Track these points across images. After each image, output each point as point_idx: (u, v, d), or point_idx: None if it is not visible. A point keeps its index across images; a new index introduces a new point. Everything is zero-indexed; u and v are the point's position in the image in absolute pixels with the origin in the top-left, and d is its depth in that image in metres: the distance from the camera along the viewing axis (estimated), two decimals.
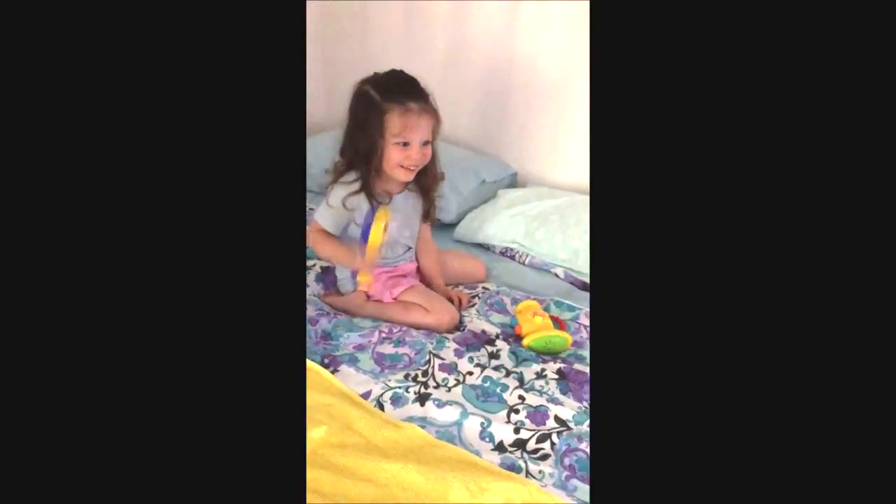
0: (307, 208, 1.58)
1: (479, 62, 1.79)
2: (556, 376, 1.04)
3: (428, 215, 1.28)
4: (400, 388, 0.98)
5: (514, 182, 1.80)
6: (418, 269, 1.33)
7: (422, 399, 0.97)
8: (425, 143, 1.15)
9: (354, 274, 1.17)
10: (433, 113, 1.14)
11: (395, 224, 1.19)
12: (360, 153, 1.14)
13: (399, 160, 1.14)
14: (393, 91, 1.11)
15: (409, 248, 1.30)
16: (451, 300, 1.26)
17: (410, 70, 1.17)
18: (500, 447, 0.90)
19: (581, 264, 1.43)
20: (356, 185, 1.15)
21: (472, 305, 1.27)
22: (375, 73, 1.16)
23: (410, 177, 1.18)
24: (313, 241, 1.20)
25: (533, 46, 1.69)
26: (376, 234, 1.08)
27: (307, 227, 1.20)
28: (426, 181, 1.23)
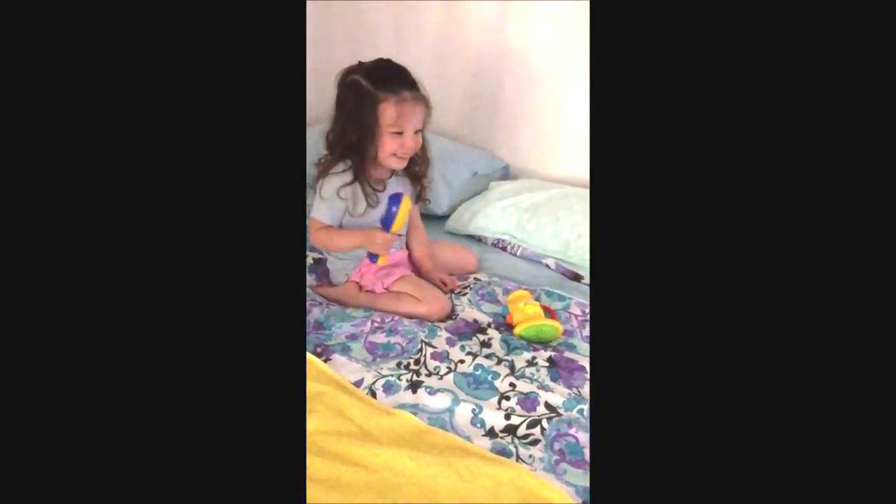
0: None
1: (470, 55, 1.79)
2: (547, 364, 1.06)
3: (420, 197, 1.30)
4: (392, 375, 0.99)
5: (505, 175, 1.81)
6: (409, 258, 1.34)
7: (413, 387, 0.97)
8: (417, 132, 1.16)
9: (373, 257, 1.21)
10: (425, 101, 1.16)
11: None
12: (353, 144, 1.15)
13: (393, 149, 1.15)
14: (385, 81, 1.12)
15: (401, 235, 1.31)
16: (441, 283, 1.29)
17: (401, 62, 1.18)
18: (490, 433, 0.91)
19: (571, 255, 1.45)
20: (348, 176, 1.16)
21: (464, 294, 1.28)
22: (361, 63, 1.16)
23: (403, 164, 1.20)
24: (321, 238, 1.21)
25: (524, 40, 1.69)
26: (400, 222, 1.17)
27: (309, 227, 1.22)
28: (417, 168, 1.25)
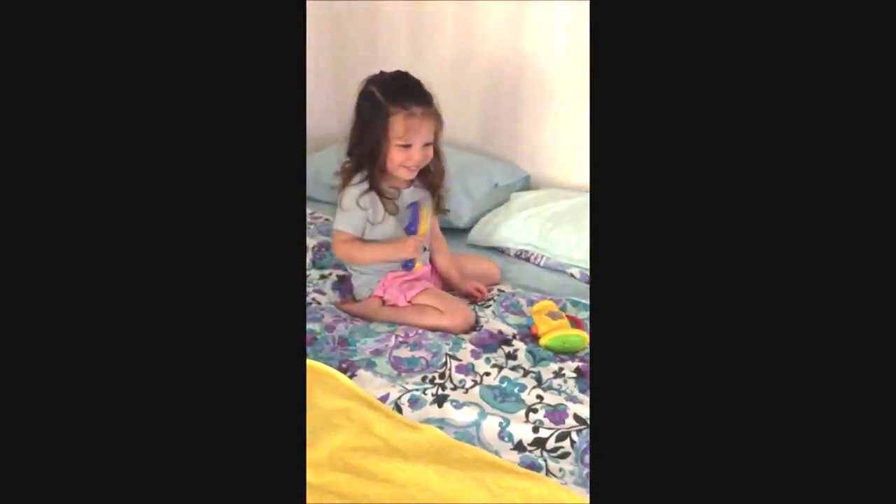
0: (323, 219, 1.60)
1: (487, 65, 1.79)
2: (575, 375, 1.04)
3: (438, 208, 1.31)
4: (417, 390, 0.99)
5: (526, 185, 1.80)
6: (433, 271, 1.34)
7: (439, 401, 0.97)
8: (426, 145, 1.18)
9: (407, 264, 1.25)
10: (435, 116, 1.18)
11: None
12: (365, 153, 1.17)
13: (401, 161, 1.17)
14: (398, 94, 1.14)
15: (424, 248, 1.31)
16: (471, 293, 1.30)
17: (418, 75, 1.19)
18: (519, 446, 0.89)
19: None
20: (365, 185, 1.19)
21: (488, 306, 1.27)
22: (382, 73, 1.19)
23: (412, 175, 1.22)
24: (346, 251, 1.24)
25: (541, 47, 1.69)
26: (424, 226, 1.25)
27: (333, 239, 1.26)
28: (432, 178, 1.27)
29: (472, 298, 1.30)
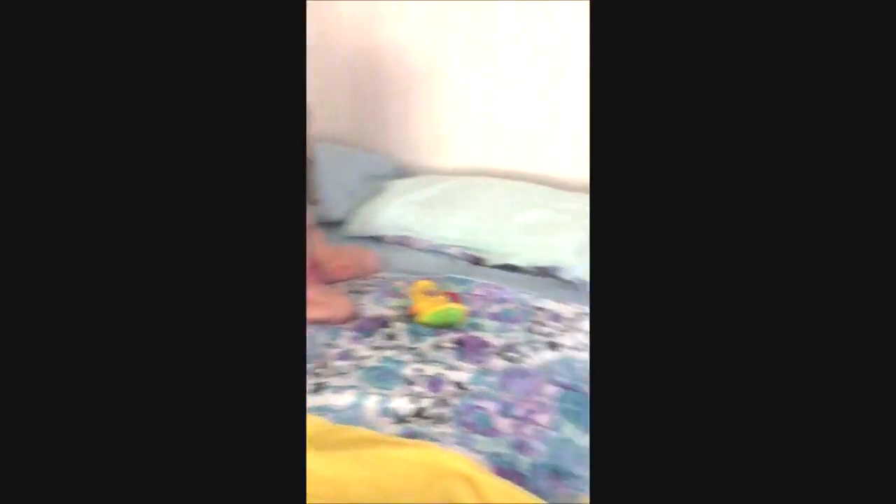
0: None
1: (344, 58, 1.79)
2: (454, 345, 1.06)
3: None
4: None
5: (400, 173, 1.82)
6: (311, 265, 1.32)
7: (318, 389, 0.95)
8: None
9: None
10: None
11: None
12: None
13: None
14: None
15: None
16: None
17: None
18: (400, 420, 0.90)
19: (473, 241, 1.46)
20: None
21: (368, 294, 1.26)
22: None
23: None
24: None
25: (394, 37, 1.71)
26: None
27: None
28: None
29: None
